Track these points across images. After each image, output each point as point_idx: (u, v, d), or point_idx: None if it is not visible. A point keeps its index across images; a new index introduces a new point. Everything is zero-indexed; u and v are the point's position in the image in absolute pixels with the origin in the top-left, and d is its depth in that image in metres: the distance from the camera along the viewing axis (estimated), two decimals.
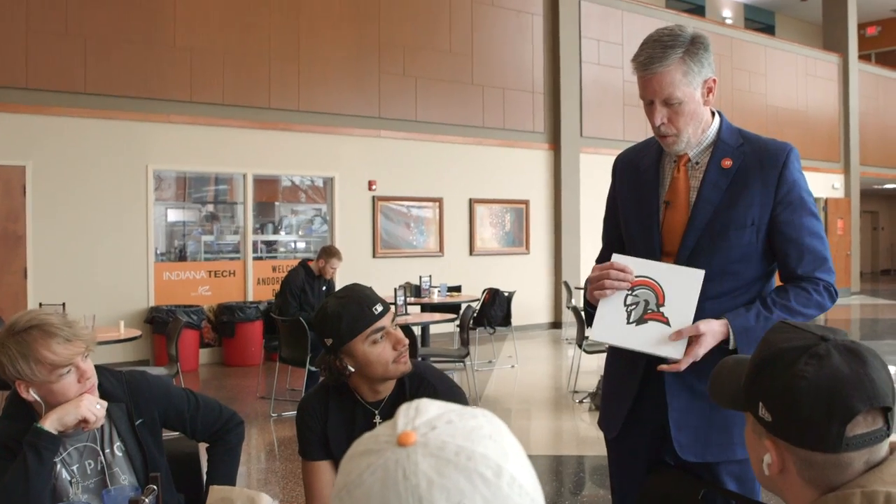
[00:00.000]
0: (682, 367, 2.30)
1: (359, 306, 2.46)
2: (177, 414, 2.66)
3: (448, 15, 13.31)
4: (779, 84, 19.05)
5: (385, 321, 2.48)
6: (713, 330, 2.30)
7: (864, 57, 22.99)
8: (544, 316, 14.56)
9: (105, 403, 2.43)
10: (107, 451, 2.49)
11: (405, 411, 0.86)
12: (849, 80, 20.78)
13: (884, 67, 23.20)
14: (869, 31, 25.58)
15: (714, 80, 2.41)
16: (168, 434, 2.70)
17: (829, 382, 1.28)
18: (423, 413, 0.85)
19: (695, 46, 2.36)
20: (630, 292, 2.39)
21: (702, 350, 2.30)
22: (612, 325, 2.40)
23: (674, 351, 2.32)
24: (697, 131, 2.43)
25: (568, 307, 12.55)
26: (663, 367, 2.33)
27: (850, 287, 20.93)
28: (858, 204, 21.47)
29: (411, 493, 0.78)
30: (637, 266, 2.41)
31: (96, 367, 2.47)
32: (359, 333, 2.44)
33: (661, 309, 2.36)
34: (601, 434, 2.70)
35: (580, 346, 8.45)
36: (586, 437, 7.19)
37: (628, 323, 2.38)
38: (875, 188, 25.97)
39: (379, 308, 2.48)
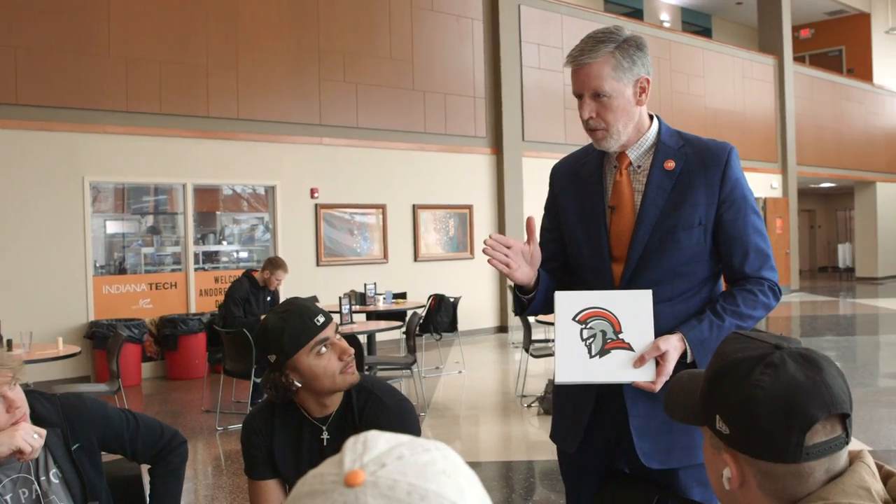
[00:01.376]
0: (657, 388, 2.28)
1: (300, 318, 2.40)
2: (116, 436, 2.57)
3: (388, 21, 13.26)
4: (716, 86, 19.31)
5: (328, 331, 2.43)
6: (673, 345, 2.29)
7: (798, 59, 23.42)
8: (490, 321, 14.56)
9: (44, 432, 2.33)
10: (42, 478, 2.39)
11: (352, 447, 0.80)
12: (784, 81, 21.14)
13: (817, 69, 23.66)
14: (802, 33, 26.07)
15: (647, 80, 2.42)
16: (108, 456, 2.61)
17: (785, 391, 1.26)
18: (372, 448, 0.79)
19: (627, 44, 2.38)
20: (584, 325, 2.35)
21: (670, 366, 2.28)
22: (576, 364, 2.35)
23: (644, 374, 2.30)
24: (629, 129, 2.43)
25: (513, 311, 12.59)
26: (638, 383, 2.30)
27: (790, 285, 21.27)
28: (796, 203, 21.85)
29: None
30: (584, 299, 2.37)
31: (27, 391, 2.37)
32: (302, 346, 2.38)
33: (621, 336, 2.33)
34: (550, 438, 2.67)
35: (527, 351, 8.46)
36: (536, 441, 7.17)
37: (591, 357, 2.34)
38: (812, 187, 26.49)
39: (321, 319, 2.43)
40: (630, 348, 2.32)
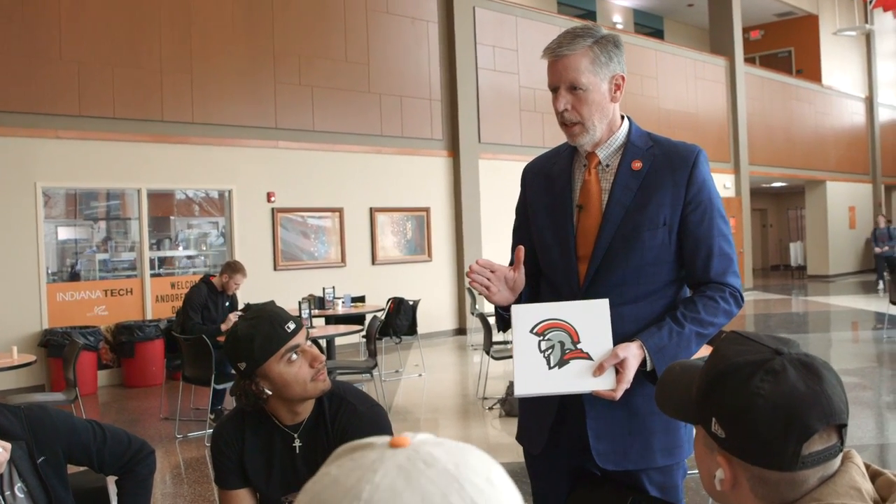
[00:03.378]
0: (618, 395, 2.27)
1: (270, 325, 2.38)
2: (82, 448, 2.52)
3: (343, 23, 13.21)
4: (669, 87, 19.49)
5: (299, 338, 2.41)
6: (632, 353, 2.28)
7: (749, 60, 23.70)
8: (449, 323, 14.56)
9: (8, 446, 2.28)
10: (6, 493, 2.34)
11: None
12: (736, 82, 21.40)
13: (768, 70, 23.99)
14: (753, 34, 26.40)
15: (623, 78, 2.44)
16: (73, 468, 2.56)
17: (785, 401, 1.25)
18: (420, 434, 0.81)
19: (605, 40, 2.40)
20: (542, 337, 2.34)
21: (630, 373, 2.27)
22: (534, 376, 2.33)
23: (604, 383, 2.28)
24: (603, 125, 2.44)
25: (472, 313, 12.58)
26: (599, 392, 2.29)
27: (744, 283, 21.51)
28: (749, 202, 22.13)
29: (444, 479, 0.73)
30: (540, 312, 2.37)
31: None
32: (273, 353, 2.35)
33: (579, 346, 2.32)
34: (513, 440, 2.67)
35: (487, 353, 8.47)
36: (498, 443, 7.18)
37: (550, 368, 2.32)
38: (763, 187, 26.82)
39: (291, 326, 2.41)
40: (589, 357, 2.31)
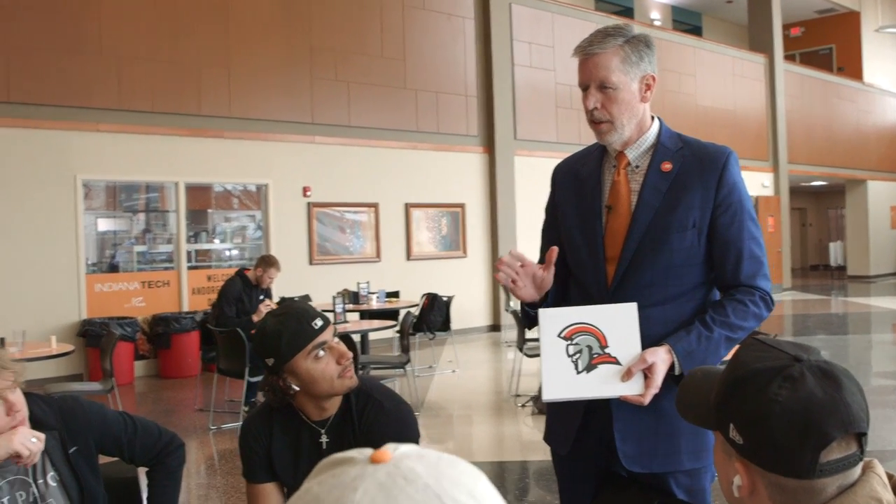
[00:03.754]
0: (646, 400, 2.26)
1: (298, 322, 2.39)
2: (113, 439, 2.56)
3: (379, 19, 13.25)
4: (707, 84, 19.33)
5: (326, 335, 2.42)
6: (661, 357, 2.26)
7: (789, 57, 23.46)
8: (483, 319, 14.57)
9: (42, 436, 2.32)
10: (39, 481, 2.38)
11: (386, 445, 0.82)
12: (775, 79, 21.17)
13: (808, 67, 23.70)
14: (793, 31, 26.12)
15: (653, 78, 2.42)
16: (105, 458, 2.60)
17: (803, 407, 1.24)
18: (402, 447, 0.81)
19: (637, 39, 2.39)
20: (570, 341, 2.33)
21: (658, 378, 2.26)
22: (563, 380, 2.32)
23: (632, 388, 2.27)
24: (632, 125, 2.43)
25: (507, 310, 12.57)
26: (627, 397, 2.28)
27: (782, 283, 21.32)
28: (788, 201, 21.89)
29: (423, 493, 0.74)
30: (568, 316, 2.36)
31: (25, 394, 2.36)
32: (300, 350, 2.37)
33: (607, 350, 2.31)
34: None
35: (521, 350, 8.45)
36: (530, 441, 7.18)
37: (578, 373, 2.32)
38: (803, 185, 26.54)
39: (319, 322, 2.42)
40: (617, 362, 2.29)
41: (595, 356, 2.31)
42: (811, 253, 31.82)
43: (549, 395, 2.34)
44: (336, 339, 2.47)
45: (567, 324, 2.34)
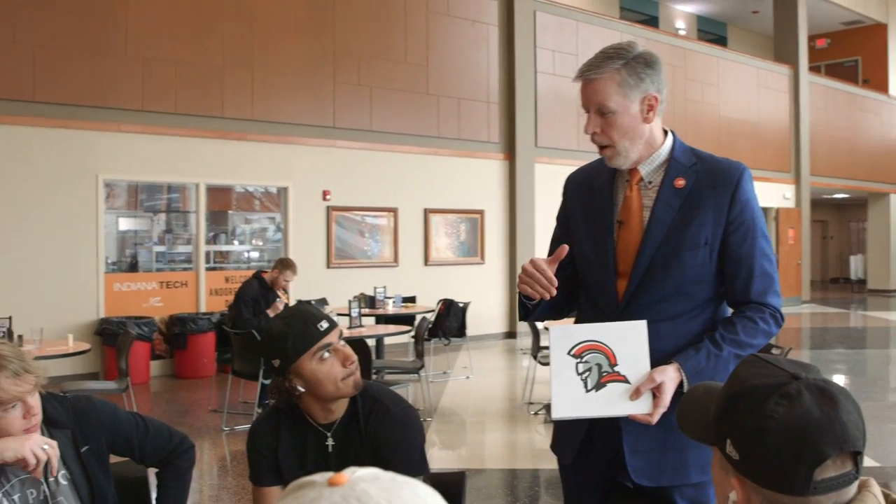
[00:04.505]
0: (654, 420, 2.26)
1: (304, 323, 2.41)
2: (125, 440, 2.59)
3: (403, 24, 13.29)
4: (731, 95, 19.25)
5: (332, 337, 2.44)
6: (669, 376, 2.27)
7: (814, 69, 23.32)
8: (499, 326, 14.56)
9: (54, 443, 2.34)
10: (50, 479, 2.41)
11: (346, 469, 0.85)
12: (799, 91, 21.06)
13: (833, 79, 23.55)
14: (819, 43, 25.97)
15: (656, 98, 2.40)
16: (115, 458, 2.63)
17: (798, 424, 1.25)
18: (359, 470, 0.85)
19: (636, 61, 2.37)
20: (579, 359, 2.34)
21: (667, 398, 2.26)
22: (572, 399, 2.33)
23: (641, 407, 2.28)
24: (638, 147, 2.42)
25: (518, 317, 12.54)
26: (635, 416, 2.28)
27: (801, 296, 21.20)
28: (809, 213, 21.77)
29: None
30: (578, 333, 2.36)
31: (39, 393, 2.39)
32: (305, 351, 2.39)
33: (616, 368, 2.31)
34: None
35: (535, 357, 8.45)
36: (541, 449, 7.17)
37: (587, 391, 2.32)
38: (825, 198, 26.38)
39: (325, 324, 2.44)
40: (626, 381, 2.30)
41: (604, 374, 2.32)
42: (831, 266, 31.62)
43: (557, 414, 2.35)
44: (342, 342, 2.49)
45: (577, 341, 2.35)
